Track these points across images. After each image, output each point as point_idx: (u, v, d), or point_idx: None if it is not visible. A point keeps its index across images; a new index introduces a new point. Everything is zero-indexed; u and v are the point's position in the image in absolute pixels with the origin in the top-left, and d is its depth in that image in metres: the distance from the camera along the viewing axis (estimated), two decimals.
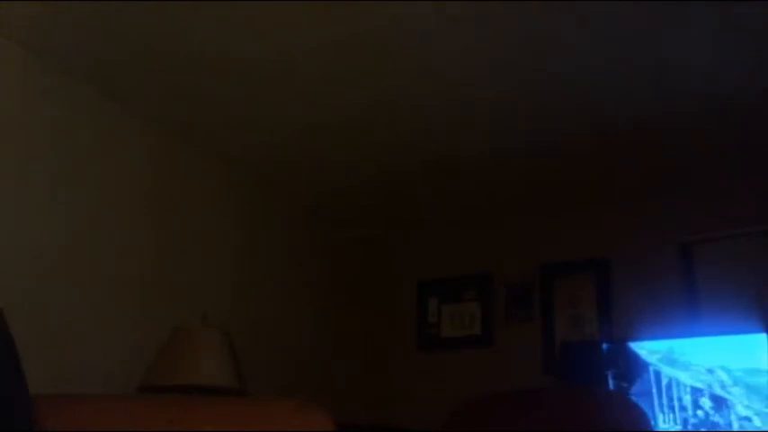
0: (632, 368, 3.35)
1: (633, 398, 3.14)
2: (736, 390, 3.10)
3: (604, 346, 3.54)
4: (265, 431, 1.35)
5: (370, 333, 4.32)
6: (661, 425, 3.21)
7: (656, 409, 3.23)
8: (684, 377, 3.22)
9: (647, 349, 3.36)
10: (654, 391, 3.27)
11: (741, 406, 3.07)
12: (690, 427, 3.15)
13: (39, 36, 2.55)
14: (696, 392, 3.18)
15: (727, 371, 3.15)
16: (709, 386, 3.15)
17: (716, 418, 3.11)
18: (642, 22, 2.44)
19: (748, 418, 3.06)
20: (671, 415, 3.20)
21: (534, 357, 3.90)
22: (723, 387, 3.13)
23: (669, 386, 3.26)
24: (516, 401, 2.46)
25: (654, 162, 3.51)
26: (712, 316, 3.49)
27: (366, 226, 4.38)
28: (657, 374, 3.30)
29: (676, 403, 3.21)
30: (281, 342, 3.69)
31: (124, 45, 2.60)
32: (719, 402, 3.12)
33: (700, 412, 3.15)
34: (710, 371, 3.18)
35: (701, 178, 3.64)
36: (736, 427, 3.06)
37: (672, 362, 3.27)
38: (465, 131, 3.25)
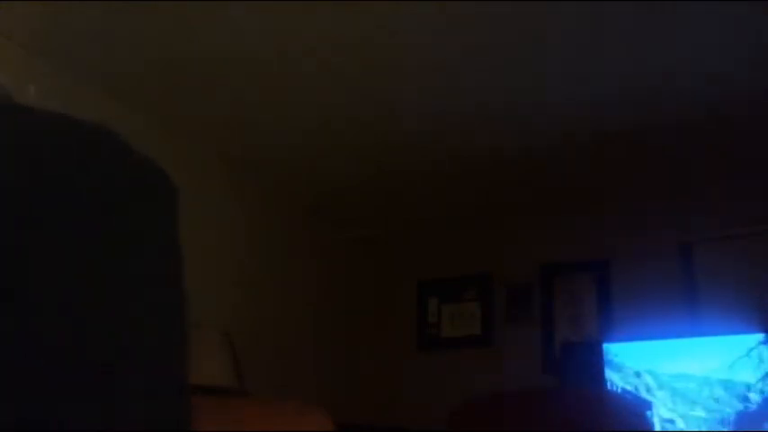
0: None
1: None
2: (660, 393, 3.14)
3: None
4: (265, 431, 1.35)
5: (371, 333, 4.31)
6: None
7: None
8: (616, 378, 3.26)
9: None
10: None
11: (665, 409, 3.11)
12: None
13: (39, 36, 2.55)
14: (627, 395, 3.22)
15: (654, 375, 3.18)
16: (636, 389, 3.20)
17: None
18: (642, 22, 2.44)
19: (671, 421, 3.11)
20: None
21: (534, 357, 3.90)
22: (648, 390, 3.17)
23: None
24: (516, 402, 2.47)
25: (654, 162, 3.51)
26: (712, 316, 3.49)
27: (366, 226, 4.38)
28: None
29: None
30: (281, 342, 3.69)
31: (124, 45, 2.61)
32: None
33: None
34: (638, 374, 3.21)
35: (700, 178, 3.64)
36: (658, 428, 3.12)
37: (607, 363, 3.31)
38: (465, 131, 3.25)
